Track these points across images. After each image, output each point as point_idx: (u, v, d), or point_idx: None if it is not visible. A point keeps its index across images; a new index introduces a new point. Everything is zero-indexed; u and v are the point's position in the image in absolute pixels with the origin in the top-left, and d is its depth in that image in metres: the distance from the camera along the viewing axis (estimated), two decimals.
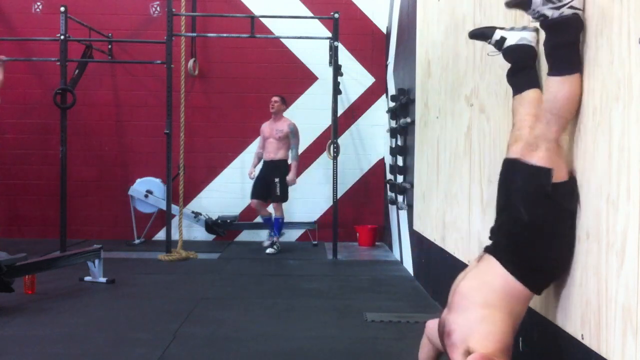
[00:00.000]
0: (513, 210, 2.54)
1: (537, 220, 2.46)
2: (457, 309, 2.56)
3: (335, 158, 7.85)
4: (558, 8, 2.38)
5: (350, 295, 5.53)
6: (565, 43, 2.39)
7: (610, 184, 2.20)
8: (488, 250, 2.65)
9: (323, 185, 8.60)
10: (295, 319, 4.67)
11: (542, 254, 2.50)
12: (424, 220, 5.71)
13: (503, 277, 2.50)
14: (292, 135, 7.77)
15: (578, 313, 2.44)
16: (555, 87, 2.41)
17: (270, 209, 7.89)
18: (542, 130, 2.44)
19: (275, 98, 7.80)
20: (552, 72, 2.44)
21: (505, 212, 2.63)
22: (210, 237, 8.52)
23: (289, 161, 7.80)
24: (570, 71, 2.39)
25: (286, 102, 7.95)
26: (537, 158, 2.44)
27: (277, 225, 7.83)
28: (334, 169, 7.81)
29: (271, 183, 7.72)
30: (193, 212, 8.41)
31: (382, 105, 8.75)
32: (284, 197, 7.79)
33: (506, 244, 2.57)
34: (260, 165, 7.96)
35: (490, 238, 2.73)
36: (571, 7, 2.37)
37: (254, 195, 7.86)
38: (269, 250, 7.70)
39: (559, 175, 2.43)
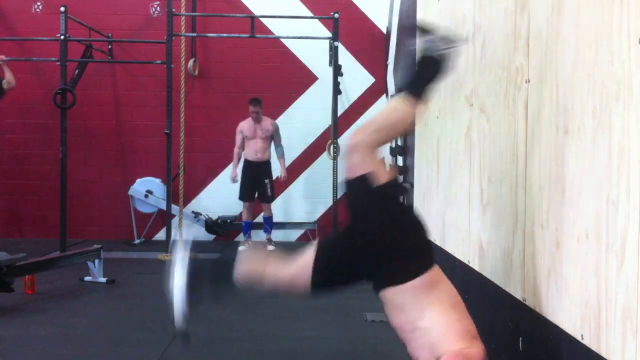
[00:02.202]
0: (359, 228, 2.61)
1: (377, 223, 2.55)
2: (408, 341, 2.58)
3: (335, 158, 7.86)
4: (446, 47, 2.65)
5: (350, 295, 5.51)
6: (434, 77, 2.62)
7: (610, 184, 2.19)
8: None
9: (323, 185, 8.60)
10: (295, 319, 4.67)
11: (402, 245, 2.55)
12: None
13: (405, 291, 2.51)
14: (277, 134, 7.85)
15: (578, 313, 2.44)
16: (404, 107, 2.61)
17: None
18: (369, 137, 2.58)
19: (254, 108, 7.69)
20: (411, 94, 2.61)
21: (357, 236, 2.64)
22: (210, 237, 8.52)
23: (277, 158, 7.91)
24: (424, 100, 2.63)
25: (262, 103, 7.83)
26: (356, 168, 2.56)
27: (270, 224, 7.97)
28: (334, 169, 7.81)
29: (262, 184, 7.80)
30: (193, 212, 8.41)
31: (382, 106, 8.74)
32: (274, 196, 8.00)
33: (377, 267, 2.58)
34: (240, 165, 7.95)
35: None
36: (451, 47, 2.66)
37: (247, 197, 7.88)
38: (269, 248, 7.75)
39: (381, 177, 2.55)
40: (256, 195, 7.90)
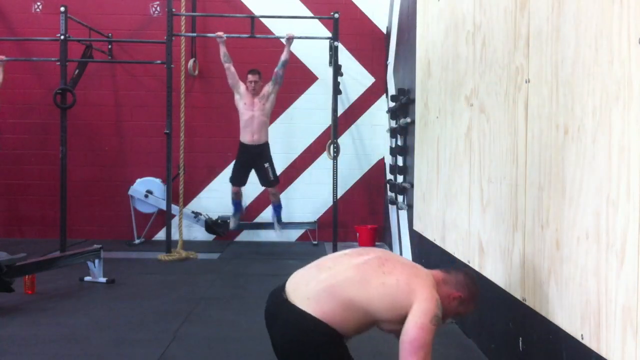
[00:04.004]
0: None
1: None
2: None
3: (335, 158, 7.85)
4: None
5: None
6: None
7: (610, 184, 2.19)
8: None
9: (323, 185, 8.60)
10: None
11: None
12: (424, 220, 5.71)
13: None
14: (273, 81, 7.28)
15: (578, 313, 2.44)
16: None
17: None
18: None
19: (253, 77, 7.17)
20: None
21: None
22: (210, 237, 8.52)
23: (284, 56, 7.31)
24: None
25: (261, 75, 7.37)
26: None
27: (279, 212, 7.70)
28: (334, 169, 7.81)
29: (262, 169, 7.35)
30: (193, 212, 8.41)
31: (382, 105, 8.75)
32: (277, 179, 7.53)
33: None
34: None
35: None
36: None
37: (237, 182, 7.47)
38: (276, 228, 7.77)
39: None
40: (247, 186, 7.56)
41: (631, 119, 2.06)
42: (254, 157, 7.36)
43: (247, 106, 7.27)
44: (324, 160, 8.63)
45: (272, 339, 2.64)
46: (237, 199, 7.68)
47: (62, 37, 7.36)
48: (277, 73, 7.30)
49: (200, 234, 8.55)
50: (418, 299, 2.47)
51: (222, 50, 7.31)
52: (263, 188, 7.79)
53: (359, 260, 2.64)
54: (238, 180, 7.50)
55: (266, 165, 7.36)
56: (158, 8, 8.75)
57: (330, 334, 2.51)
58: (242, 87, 7.28)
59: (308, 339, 2.52)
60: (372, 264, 2.60)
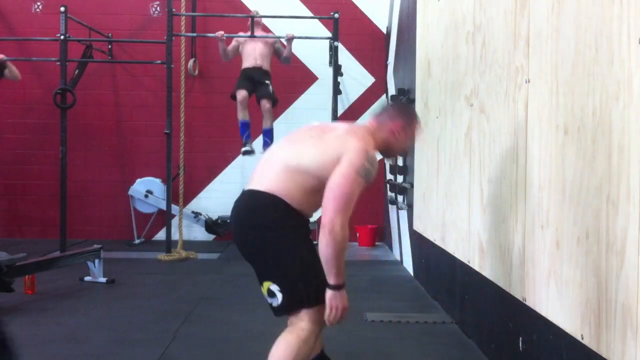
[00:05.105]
0: None
1: None
2: None
3: None
4: None
5: (350, 295, 5.47)
6: None
7: (610, 184, 2.20)
8: None
9: None
10: None
11: None
12: (424, 220, 5.71)
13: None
14: (278, 46, 7.37)
15: (578, 313, 2.44)
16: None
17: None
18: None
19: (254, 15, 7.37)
20: None
21: None
22: (210, 237, 8.51)
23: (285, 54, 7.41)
24: None
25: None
26: None
27: (270, 136, 7.40)
28: None
29: (262, 84, 7.18)
30: (193, 212, 8.40)
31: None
32: (275, 98, 7.32)
33: None
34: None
35: None
36: None
37: (242, 86, 7.15)
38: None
39: None
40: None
41: (631, 119, 2.06)
42: (256, 76, 7.20)
43: (250, 39, 7.27)
44: None
45: (234, 228, 2.75)
46: (244, 118, 7.27)
47: (62, 37, 7.36)
48: (281, 55, 7.42)
49: (200, 234, 8.54)
50: (347, 151, 2.54)
51: (222, 47, 7.32)
52: None
53: (299, 138, 2.76)
54: (242, 84, 7.17)
55: (267, 81, 7.20)
56: (158, 8, 8.75)
57: (282, 204, 2.58)
58: (241, 39, 7.35)
59: (260, 208, 2.62)
60: (311, 136, 2.70)
